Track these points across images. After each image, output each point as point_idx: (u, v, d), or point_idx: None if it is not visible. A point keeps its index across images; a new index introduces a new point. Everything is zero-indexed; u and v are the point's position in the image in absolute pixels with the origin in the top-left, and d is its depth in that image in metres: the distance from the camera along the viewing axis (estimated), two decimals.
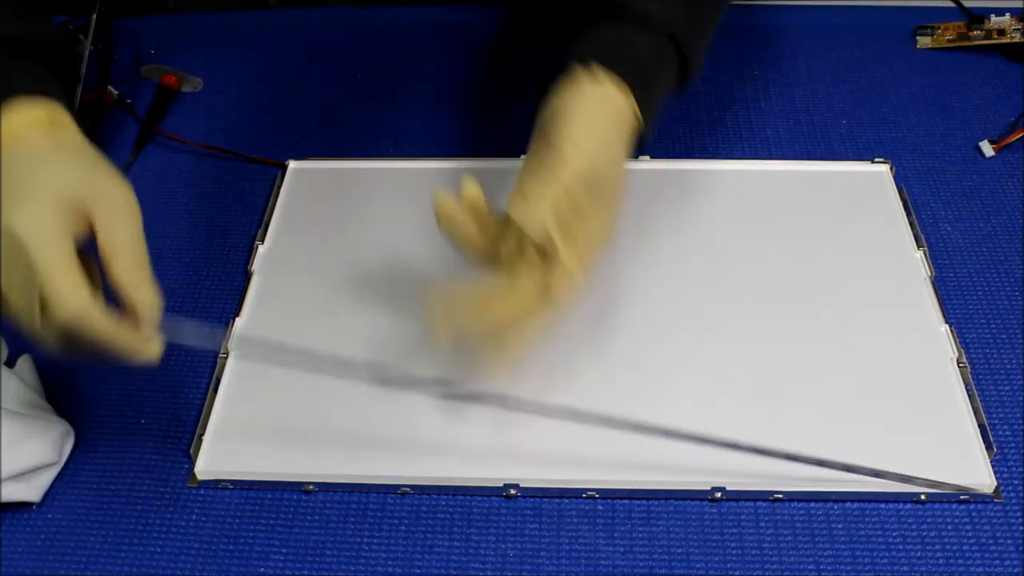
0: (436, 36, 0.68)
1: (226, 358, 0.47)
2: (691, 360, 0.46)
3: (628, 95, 0.42)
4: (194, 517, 0.43)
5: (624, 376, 0.46)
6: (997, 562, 0.40)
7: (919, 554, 0.40)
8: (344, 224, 0.54)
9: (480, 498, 0.43)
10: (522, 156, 0.57)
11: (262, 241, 0.53)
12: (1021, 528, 0.41)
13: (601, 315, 0.48)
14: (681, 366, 0.46)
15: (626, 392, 0.45)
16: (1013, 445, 0.44)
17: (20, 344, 0.49)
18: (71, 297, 0.34)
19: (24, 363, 0.47)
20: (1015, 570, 0.40)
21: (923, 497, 0.42)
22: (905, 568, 0.40)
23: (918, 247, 0.51)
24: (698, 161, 0.57)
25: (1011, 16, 0.63)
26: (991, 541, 0.41)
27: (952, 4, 0.66)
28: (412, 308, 0.49)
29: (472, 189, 0.41)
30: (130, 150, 0.60)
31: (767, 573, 0.40)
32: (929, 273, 0.50)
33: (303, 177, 0.57)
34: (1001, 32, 0.64)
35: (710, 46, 0.46)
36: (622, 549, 0.41)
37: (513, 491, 0.42)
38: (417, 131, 0.61)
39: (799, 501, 0.42)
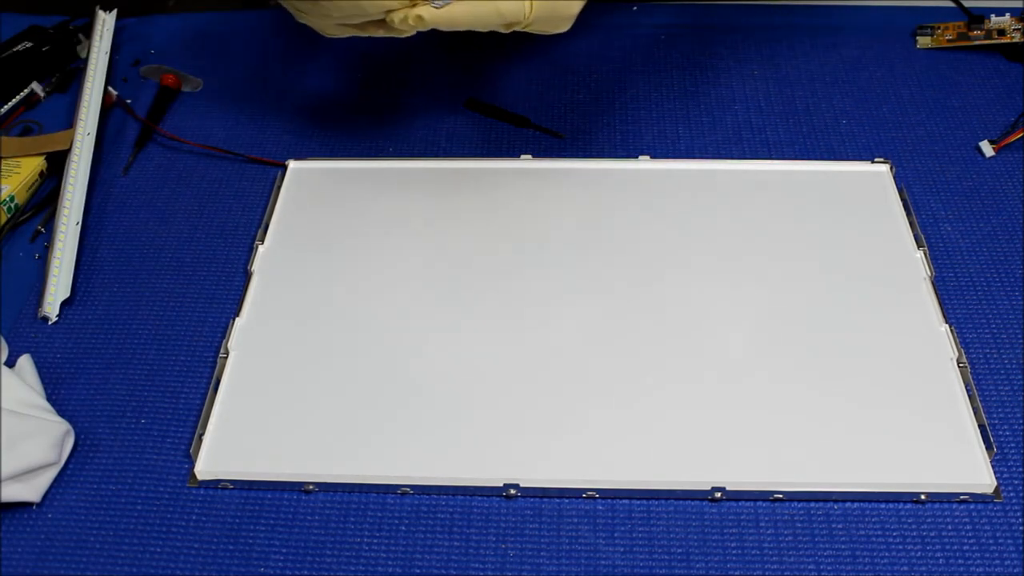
0: (437, 36, 0.68)
1: (226, 358, 0.47)
2: (690, 360, 0.46)
3: None
4: (194, 517, 0.43)
5: (623, 376, 0.46)
6: (997, 562, 0.40)
7: (919, 554, 0.40)
8: (344, 224, 0.54)
9: (480, 498, 0.43)
10: (522, 156, 0.57)
11: (262, 241, 0.53)
12: (1021, 528, 0.41)
13: (599, 314, 0.48)
14: (680, 366, 0.46)
15: (625, 392, 0.45)
16: (1013, 445, 0.44)
17: (20, 344, 0.49)
18: None
19: (24, 363, 0.47)
20: (1015, 570, 0.40)
21: (923, 497, 0.42)
22: (905, 568, 0.40)
23: (918, 247, 0.51)
24: (698, 161, 0.57)
25: (1011, 16, 0.63)
26: (991, 541, 0.41)
27: (952, 4, 0.66)
28: (413, 308, 0.49)
29: None
30: (130, 150, 0.60)
31: (767, 573, 0.40)
32: (929, 273, 0.50)
33: (303, 177, 0.57)
34: (1001, 32, 0.64)
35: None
36: (622, 549, 0.41)
37: (513, 491, 0.42)
38: (417, 131, 0.61)
39: (799, 501, 0.42)
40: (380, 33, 0.46)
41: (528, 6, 0.43)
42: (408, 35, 0.46)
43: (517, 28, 0.45)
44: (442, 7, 0.43)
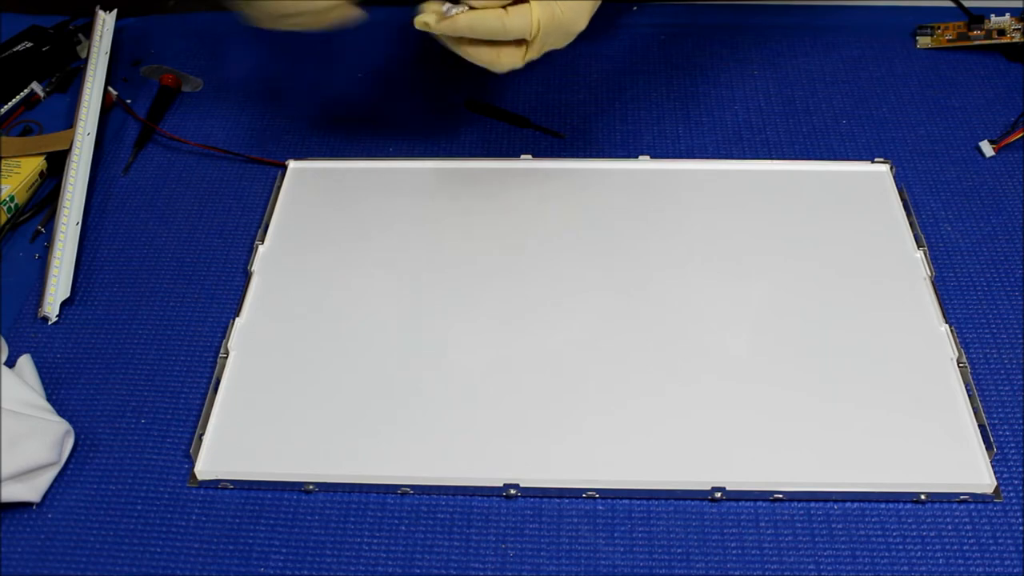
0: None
1: (226, 358, 0.47)
2: (690, 360, 0.46)
3: None
4: (194, 517, 0.43)
5: (623, 376, 0.46)
6: (997, 562, 0.40)
7: (919, 554, 0.40)
8: (344, 224, 0.54)
9: (480, 498, 0.43)
10: (522, 156, 0.57)
11: (262, 241, 0.53)
12: (1021, 528, 0.41)
13: (599, 314, 0.48)
14: (680, 366, 0.46)
15: (625, 392, 0.45)
16: (1013, 445, 0.44)
17: (20, 344, 0.49)
18: None
19: (24, 363, 0.47)
20: (1015, 570, 0.40)
21: (923, 497, 0.42)
22: (905, 568, 0.40)
23: (918, 247, 0.51)
24: (698, 161, 0.57)
25: (1011, 16, 0.63)
26: (991, 541, 0.41)
27: (952, 4, 0.66)
28: (413, 308, 0.49)
29: None
30: (130, 150, 0.60)
31: (767, 573, 0.40)
32: (929, 273, 0.50)
33: (303, 177, 0.57)
34: (1001, 32, 0.64)
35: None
36: (622, 549, 0.41)
37: (513, 491, 0.42)
38: (417, 131, 0.61)
39: (799, 501, 0.42)
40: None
41: (536, 25, 0.43)
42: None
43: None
44: (452, 16, 0.43)
